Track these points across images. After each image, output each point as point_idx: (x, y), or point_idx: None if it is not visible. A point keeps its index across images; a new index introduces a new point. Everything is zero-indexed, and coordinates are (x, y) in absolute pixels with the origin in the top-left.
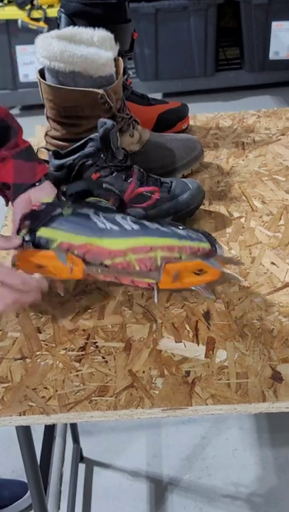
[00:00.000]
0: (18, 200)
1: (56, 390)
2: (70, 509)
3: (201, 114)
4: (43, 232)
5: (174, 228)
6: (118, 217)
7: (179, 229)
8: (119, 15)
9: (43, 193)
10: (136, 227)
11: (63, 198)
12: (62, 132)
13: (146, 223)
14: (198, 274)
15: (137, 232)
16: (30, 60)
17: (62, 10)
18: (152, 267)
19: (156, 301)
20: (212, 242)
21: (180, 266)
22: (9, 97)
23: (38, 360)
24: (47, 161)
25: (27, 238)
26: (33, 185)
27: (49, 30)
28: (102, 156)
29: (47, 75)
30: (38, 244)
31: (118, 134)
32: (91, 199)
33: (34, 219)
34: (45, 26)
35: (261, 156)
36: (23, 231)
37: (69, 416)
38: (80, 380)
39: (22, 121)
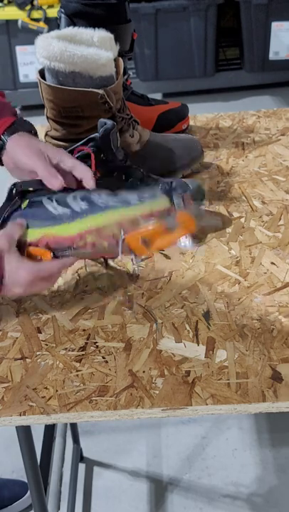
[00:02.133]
0: None
1: (56, 390)
2: (70, 509)
3: (201, 114)
4: None
5: (123, 196)
6: (69, 198)
7: (131, 193)
8: (119, 15)
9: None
10: (84, 206)
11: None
12: (63, 132)
13: (95, 199)
14: (170, 232)
15: (86, 212)
16: (30, 60)
17: (62, 10)
18: (116, 239)
19: (119, 256)
20: (172, 191)
21: (141, 233)
22: (9, 97)
23: (38, 360)
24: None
25: None
26: None
27: (49, 30)
28: (102, 156)
29: (47, 75)
30: None
31: (118, 134)
32: None
33: None
34: (45, 27)
35: (261, 156)
36: None
37: (69, 416)
38: (80, 380)
39: None
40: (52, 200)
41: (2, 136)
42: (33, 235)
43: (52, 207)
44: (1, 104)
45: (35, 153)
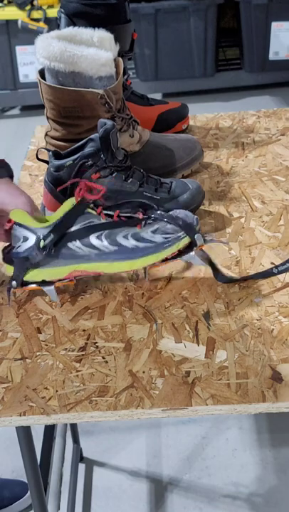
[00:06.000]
0: None
1: (56, 391)
2: (70, 509)
3: (201, 114)
4: (29, 277)
5: (150, 236)
6: (93, 238)
7: (157, 230)
8: (119, 15)
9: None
10: (112, 248)
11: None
12: (62, 132)
13: (122, 241)
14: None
15: (115, 255)
16: (30, 60)
17: (62, 10)
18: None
19: (146, 280)
20: (191, 232)
21: (163, 265)
22: (9, 97)
23: (38, 361)
24: (46, 162)
25: (14, 285)
26: None
27: (49, 30)
28: (102, 156)
29: (47, 75)
30: (26, 283)
31: (118, 134)
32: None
33: (18, 268)
34: (45, 27)
35: (261, 156)
36: (7, 269)
37: (69, 416)
38: (80, 380)
39: (22, 121)
40: (75, 241)
41: None
42: (62, 272)
43: (77, 248)
44: None
45: None
